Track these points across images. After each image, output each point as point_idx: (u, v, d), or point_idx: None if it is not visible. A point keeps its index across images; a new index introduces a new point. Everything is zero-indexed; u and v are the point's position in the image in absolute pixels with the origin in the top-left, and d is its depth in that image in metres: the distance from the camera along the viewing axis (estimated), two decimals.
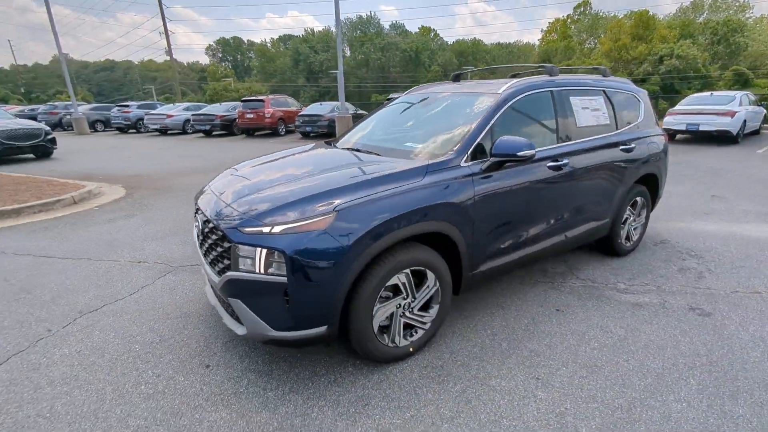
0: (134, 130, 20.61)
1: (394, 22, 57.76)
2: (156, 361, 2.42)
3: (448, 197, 2.33)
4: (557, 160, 2.92)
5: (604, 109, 3.46)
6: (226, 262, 2.11)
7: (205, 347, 2.56)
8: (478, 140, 2.56)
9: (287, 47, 65.73)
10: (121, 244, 4.43)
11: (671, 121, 11.51)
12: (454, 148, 2.52)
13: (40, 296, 3.23)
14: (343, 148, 3.13)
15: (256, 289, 2.00)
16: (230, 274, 2.05)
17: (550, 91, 3.07)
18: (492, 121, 2.66)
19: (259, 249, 1.96)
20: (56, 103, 25.54)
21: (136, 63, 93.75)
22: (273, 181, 2.43)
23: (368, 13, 53.04)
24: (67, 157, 11.54)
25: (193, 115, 17.42)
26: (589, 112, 3.31)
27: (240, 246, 2.00)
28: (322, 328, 2.06)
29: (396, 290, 2.27)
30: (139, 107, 20.53)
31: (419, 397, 2.11)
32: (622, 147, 3.45)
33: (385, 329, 2.31)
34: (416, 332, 2.44)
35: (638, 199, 3.80)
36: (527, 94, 2.92)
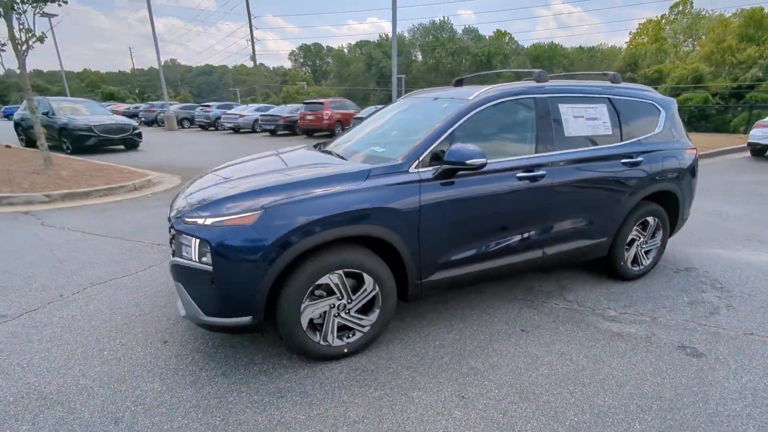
0: (213, 128, 22.72)
1: (467, 26, 56.78)
2: (126, 332, 2.72)
3: (386, 202, 2.32)
4: (531, 171, 2.75)
5: (606, 118, 3.17)
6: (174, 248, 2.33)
7: (172, 325, 2.82)
8: (433, 147, 2.51)
9: (362, 52, 67.80)
10: (152, 227, 4.99)
11: (758, 134, 9.96)
12: (405, 154, 2.50)
13: (68, 266, 3.78)
14: (322, 150, 3.24)
15: (192, 275, 2.18)
16: (174, 259, 2.26)
17: (533, 98, 2.89)
18: (453, 128, 2.59)
19: (194, 239, 2.14)
20: (154, 103, 29.02)
21: (230, 67, 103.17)
22: (231, 179, 2.62)
23: (442, 18, 52.75)
24: (149, 149, 13.11)
25: (261, 115, 18.81)
26: (583, 121, 3.06)
27: (181, 234, 2.20)
28: (247, 318, 2.18)
29: (330, 290, 2.32)
30: (218, 107, 22.64)
31: (334, 398, 2.14)
32: (624, 160, 3.13)
33: (318, 327, 2.37)
34: (353, 334, 2.46)
35: (649, 219, 3.41)
36: (501, 100, 2.79)
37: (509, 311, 3.02)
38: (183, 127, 24.22)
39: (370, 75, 60.82)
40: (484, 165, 2.41)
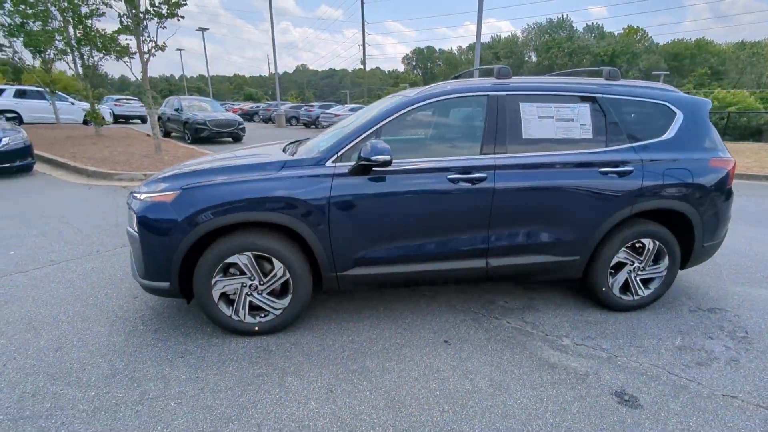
0: (314, 126, 24.74)
1: (590, 23, 51.43)
2: (108, 294, 3.28)
3: (293, 192, 2.42)
4: (468, 173, 2.56)
5: (586, 120, 2.75)
6: None
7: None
8: (352, 143, 2.52)
9: (472, 54, 66.64)
10: None
11: None
12: (326, 148, 2.56)
13: (105, 229, 4.64)
14: (284, 145, 3.42)
15: (132, 241, 2.59)
16: (127, 227, 2.70)
17: (487, 95, 2.67)
18: (378, 125, 2.57)
19: (131, 210, 2.54)
20: (271, 103, 32.72)
21: (349, 71, 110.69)
22: (190, 164, 2.97)
23: (560, 16, 48.79)
24: (249, 141, 14.96)
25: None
26: (551, 122, 2.71)
27: (128, 207, 2.63)
28: (165, 284, 2.50)
29: (242, 270, 2.52)
30: (319, 107, 24.61)
31: (220, 367, 2.32)
32: (605, 169, 2.68)
33: (233, 302, 2.58)
34: (266, 315, 2.62)
35: (646, 241, 2.84)
36: (444, 98, 2.65)
37: (448, 321, 2.84)
38: (290, 125, 26.86)
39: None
40: (388, 162, 2.35)
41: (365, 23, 45.76)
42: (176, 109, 15.54)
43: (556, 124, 2.71)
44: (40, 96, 17.08)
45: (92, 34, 11.41)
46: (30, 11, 12.20)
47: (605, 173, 2.68)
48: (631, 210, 2.74)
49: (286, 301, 2.60)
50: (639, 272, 2.92)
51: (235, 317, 2.58)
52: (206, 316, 2.61)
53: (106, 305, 2.98)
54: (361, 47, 46.16)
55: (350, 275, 2.62)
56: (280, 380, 2.22)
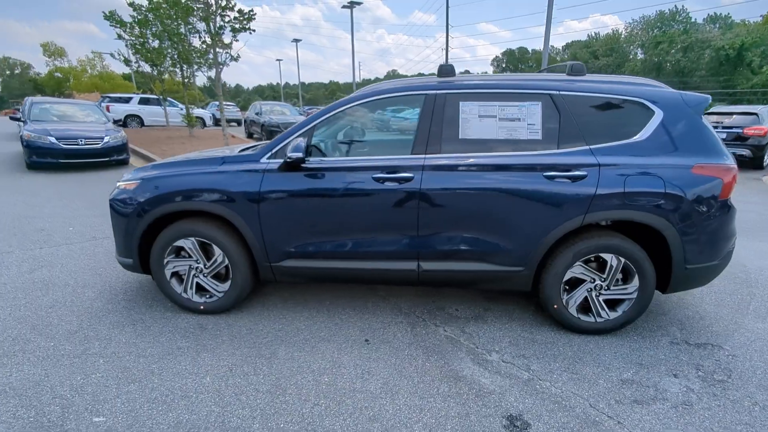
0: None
1: (713, 13, 44.25)
2: (114, 267, 3.82)
3: (227, 186, 2.63)
4: (394, 173, 2.52)
5: (536, 119, 2.50)
6: None
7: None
8: (285, 141, 2.64)
9: (566, 54, 62.08)
10: None
11: None
12: (264, 145, 2.72)
13: None
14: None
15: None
16: None
17: (424, 94, 2.59)
18: (312, 124, 2.65)
19: (111, 195, 2.98)
20: None
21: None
22: (169, 158, 3.35)
23: (673, 8, 42.78)
24: None
25: None
26: (493, 122, 2.53)
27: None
28: (130, 260, 2.89)
29: (189, 253, 2.80)
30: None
31: (151, 337, 2.61)
32: (552, 173, 2.42)
33: (183, 281, 2.88)
34: (211, 296, 2.87)
35: (607, 256, 2.48)
36: (379, 97, 2.64)
37: (383, 321, 2.81)
38: None
39: None
40: (300, 160, 2.43)
41: (449, 27, 45.44)
42: (257, 113, 17.14)
43: (499, 123, 2.53)
44: (157, 103, 20.16)
45: (189, 50, 13.19)
46: (149, 33, 14.52)
47: (552, 178, 2.43)
48: (583, 220, 2.43)
49: (227, 286, 2.82)
50: (602, 292, 2.57)
51: (184, 295, 2.87)
52: (162, 292, 2.95)
53: (108, 276, 3.51)
54: (444, 50, 45.92)
55: (283, 266, 2.74)
56: (196, 355, 2.44)
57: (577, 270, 2.55)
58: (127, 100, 20.70)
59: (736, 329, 2.74)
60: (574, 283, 2.60)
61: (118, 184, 2.92)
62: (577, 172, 2.41)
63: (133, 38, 14.49)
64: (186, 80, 15.16)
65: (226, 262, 2.76)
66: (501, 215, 2.50)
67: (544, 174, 2.43)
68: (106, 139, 9.06)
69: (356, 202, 2.59)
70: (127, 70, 20.73)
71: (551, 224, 2.45)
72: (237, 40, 10.54)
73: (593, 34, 55.60)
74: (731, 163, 2.44)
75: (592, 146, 2.46)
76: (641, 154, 2.43)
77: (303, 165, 2.58)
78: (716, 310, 3.00)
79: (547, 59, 14.09)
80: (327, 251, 2.68)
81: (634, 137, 2.46)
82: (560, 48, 76.39)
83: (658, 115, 2.46)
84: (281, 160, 2.62)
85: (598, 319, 2.61)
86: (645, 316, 2.90)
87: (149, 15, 12.93)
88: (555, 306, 2.62)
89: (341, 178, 2.58)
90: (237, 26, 10.04)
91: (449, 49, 42.95)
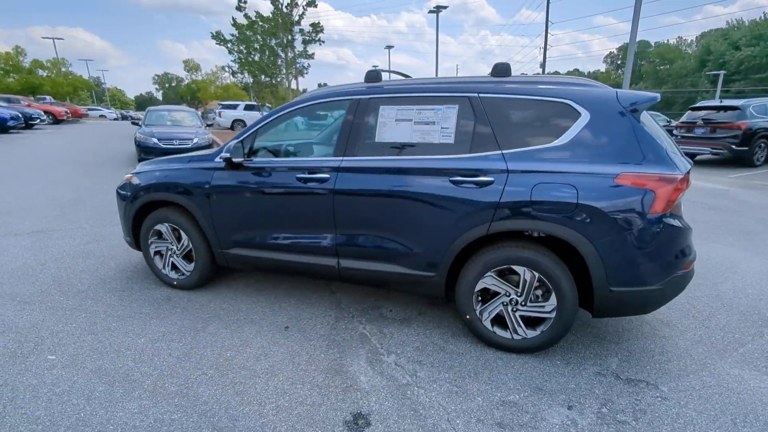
0: None
1: None
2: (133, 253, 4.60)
3: (188, 180, 3.06)
4: (314, 173, 2.68)
5: (450, 123, 2.43)
6: None
7: None
8: (235, 142, 2.96)
9: (697, 46, 53.45)
10: None
11: None
12: (221, 146, 3.09)
13: None
14: None
15: None
16: None
17: (350, 99, 2.70)
18: (254, 128, 2.94)
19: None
20: None
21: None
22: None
23: None
24: None
25: None
26: (409, 125, 2.52)
27: None
28: (129, 239, 3.52)
29: (167, 237, 3.32)
30: None
31: (126, 303, 3.15)
32: (459, 177, 2.34)
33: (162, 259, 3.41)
34: (182, 275, 3.34)
35: (519, 270, 2.29)
36: (315, 102, 2.82)
37: (315, 313, 2.97)
38: None
39: (703, 73, 47.17)
40: (228, 160, 2.72)
41: (550, 24, 42.48)
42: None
43: (413, 127, 2.52)
44: (257, 109, 22.77)
45: (276, 61, 14.75)
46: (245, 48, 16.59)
47: (458, 183, 2.35)
48: (489, 228, 2.30)
49: (192, 267, 3.28)
50: (518, 307, 2.40)
51: (163, 271, 3.40)
52: (149, 267, 3.52)
53: (132, 253, 4.26)
54: (542, 49, 43.08)
55: (231, 254, 3.09)
56: (148, 320, 2.91)
57: (488, 281, 2.41)
58: (235, 107, 23.73)
59: (696, 371, 2.31)
60: (490, 295, 2.47)
61: (125, 176, 3.58)
62: (483, 178, 2.30)
63: (237, 53, 16.64)
64: (278, 87, 16.91)
65: (191, 246, 3.21)
66: (410, 219, 2.49)
67: (451, 179, 2.37)
68: (195, 140, 10.64)
69: (284, 200, 2.81)
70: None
71: (458, 230, 2.37)
72: (307, 52, 11.50)
73: (734, 20, 46.83)
74: (672, 172, 2.09)
75: (505, 151, 2.32)
76: (559, 160, 2.22)
77: (243, 164, 2.89)
78: (690, 347, 2.54)
79: (633, 56, 12.43)
80: (264, 243, 2.95)
81: (554, 142, 2.25)
82: (693, 39, 65.96)
83: (584, 118, 2.22)
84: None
85: (515, 336, 2.43)
86: (591, 341, 2.60)
87: (248, 32, 14.76)
88: (468, 317, 2.51)
89: (272, 177, 2.83)
90: (307, 38, 10.97)
91: (557, 46, 40.18)
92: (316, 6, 11.77)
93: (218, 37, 14.97)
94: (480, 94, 2.42)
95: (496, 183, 2.28)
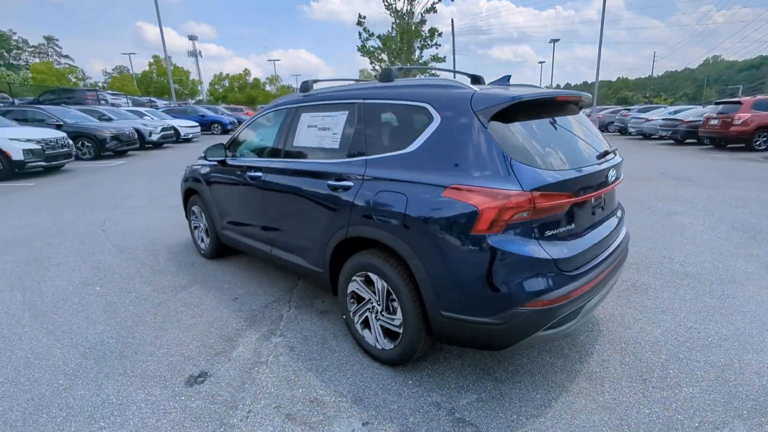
0: (627, 132, 20.65)
1: None
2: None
3: (200, 173, 3.91)
4: (253, 171, 3.13)
5: (338, 128, 2.51)
6: None
7: None
8: (227, 143, 3.64)
9: None
10: None
11: None
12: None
13: None
14: None
15: None
16: None
17: (287, 108, 3.02)
18: (237, 133, 3.55)
19: None
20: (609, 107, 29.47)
21: None
22: None
23: None
24: None
25: (662, 119, 15.51)
26: (314, 131, 2.71)
27: None
28: (185, 214, 4.66)
29: (197, 214, 4.29)
30: (639, 110, 20.35)
31: (172, 269, 4.24)
32: (332, 181, 2.43)
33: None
34: (204, 248, 4.27)
35: (373, 277, 2.24)
36: (271, 110, 3.23)
37: (267, 293, 3.43)
38: (606, 131, 23.67)
39: None
40: (204, 158, 3.37)
41: None
42: None
43: (317, 133, 2.70)
44: None
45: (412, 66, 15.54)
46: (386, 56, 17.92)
47: (332, 187, 2.44)
48: (347, 233, 2.34)
49: (209, 241, 4.17)
50: (380, 316, 2.35)
51: (197, 242, 4.42)
52: (191, 237, 4.60)
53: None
54: None
55: (223, 233, 3.83)
56: (164, 275, 3.88)
57: (354, 285, 2.44)
58: None
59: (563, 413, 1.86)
60: (359, 299, 2.48)
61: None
62: (346, 182, 2.36)
63: (378, 62, 18.13)
64: None
65: (207, 224, 4.10)
66: (306, 217, 2.70)
67: (328, 182, 2.49)
68: None
69: (241, 192, 3.35)
70: None
71: (330, 232, 2.48)
72: (438, 56, 11.84)
73: None
74: (503, 188, 1.76)
75: (368, 157, 2.31)
76: (406, 167, 2.11)
77: (226, 162, 3.56)
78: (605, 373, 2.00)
79: None
80: (236, 227, 3.58)
81: (407, 148, 2.14)
82: None
83: (434, 123, 2.04)
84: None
85: (377, 345, 2.40)
86: (479, 373, 2.32)
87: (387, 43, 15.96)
88: (344, 317, 2.58)
89: (236, 174, 3.40)
90: (422, 44, 11.34)
91: None
92: (435, 11, 12.06)
93: (363, 49, 16.63)
94: (364, 101, 2.45)
95: (353, 188, 2.31)
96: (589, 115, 24.12)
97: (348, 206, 2.32)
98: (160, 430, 1.97)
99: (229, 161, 3.52)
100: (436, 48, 12.34)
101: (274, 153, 3.06)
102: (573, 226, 1.98)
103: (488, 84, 2.70)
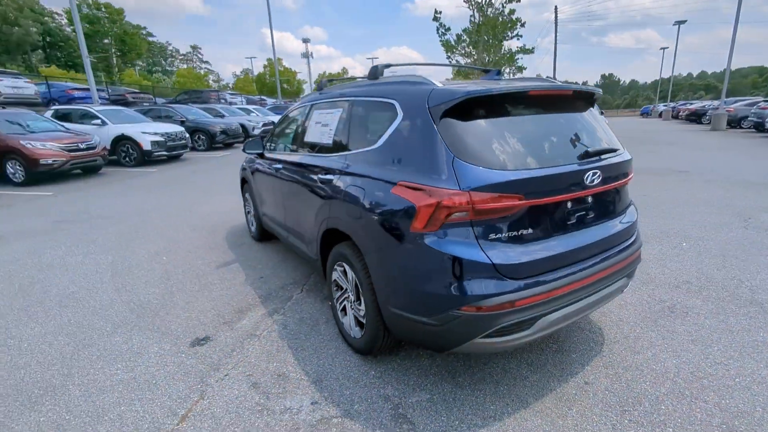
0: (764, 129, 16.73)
1: None
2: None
3: (248, 164, 4.38)
4: (276, 163, 3.43)
5: (334, 125, 2.64)
6: None
7: None
8: (265, 138, 4.02)
9: None
10: None
11: None
12: None
13: None
14: None
15: None
16: None
17: (306, 105, 3.24)
18: (272, 128, 3.90)
19: None
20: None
21: None
22: None
23: None
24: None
25: None
26: (319, 127, 2.87)
27: None
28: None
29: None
30: None
31: (221, 245, 4.86)
32: (321, 175, 2.57)
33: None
34: (253, 230, 4.79)
35: (346, 266, 2.34)
36: (297, 106, 3.49)
37: (286, 274, 3.75)
38: (732, 128, 19.55)
39: None
40: (244, 150, 3.77)
41: None
42: None
43: (320, 129, 2.87)
44: None
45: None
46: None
47: (321, 180, 2.59)
48: (327, 223, 2.47)
49: (255, 225, 4.66)
50: (354, 305, 2.45)
51: (249, 225, 4.96)
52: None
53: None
54: None
55: (263, 219, 4.25)
56: (214, 252, 4.46)
57: (335, 274, 2.57)
58: None
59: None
60: (339, 287, 2.60)
61: None
62: (330, 176, 2.49)
63: (464, 56, 17.64)
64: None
65: (253, 210, 4.60)
66: (304, 207, 2.91)
67: (318, 176, 2.65)
68: None
69: (272, 182, 3.68)
70: None
71: (318, 222, 2.65)
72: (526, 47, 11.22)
73: None
74: (444, 187, 1.71)
75: (348, 152, 2.41)
76: (372, 162, 2.17)
77: (263, 155, 3.95)
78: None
79: None
80: (269, 213, 3.96)
81: (375, 144, 2.19)
82: None
83: (398, 119, 2.06)
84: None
85: (351, 333, 2.50)
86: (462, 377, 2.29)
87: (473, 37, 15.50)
88: (330, 303, 2.73)
89: (268, 165, 3.75)
90: (499, 35, 10.79)
91: None
92: (518, 0, 11.25)
93: (446, 45, 16.38)
94: (353, 98, 2.54)
95: (333, 181, 2.43)
96: (716, 108, 20.35)
97: (328, 198, 2.46)
98: (155, 377, 2.36)
99: (266, 153, 3.90)
100: (518, 39, 11.63)
101: (292, 147, 3.33)
102: (530, 230, 1.83)
103: (480, 78, 2.58)
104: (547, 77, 2.79)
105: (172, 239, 4.93)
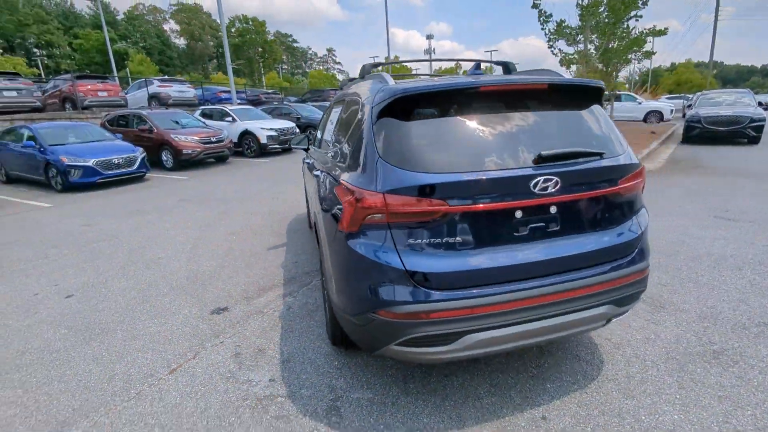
0: None
1: None
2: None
3: (304, 158, 4.78)
4: (309, 158, 3.69)
5: (334, 122, 2.75)
6: None
7: None
8: (308, 134, 4.33)
9: None
10: None
11: None
12: None
13: None
14: None
15: None
16: None
17: (332, 103, 3.41)
18: (317, 124, 4.17)
19: None
20: None
21: None
22: None
23: None
24: None
25: None
26: (329, 125, 3.03)
27: None
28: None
29: None
30: None
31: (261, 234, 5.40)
32: (316, 171, 2.72)
33: None
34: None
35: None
36: (330, 106, 3.68)
37: (306, 263, 4.02)
38: None
39: None
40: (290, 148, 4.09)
41: None
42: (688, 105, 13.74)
43: (329, 127, 3.02)
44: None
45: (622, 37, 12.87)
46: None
47: (316, 175, 2.75)
48: (315, 215, 2.61)
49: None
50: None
51: (309, 214, 5.42)
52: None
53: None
54: None
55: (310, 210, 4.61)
56: (267, 236, 5.01)
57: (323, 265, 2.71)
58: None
59: None
60: None
61: None
62: (317, 172, 2.62)
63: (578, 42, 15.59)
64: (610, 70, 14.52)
65: None
66: (312, 199, 3.11)
67: (316, 171, 2.81)
68: None
69: (306, 172, 4.00)
70: None
71: (313, 213, 2.82)
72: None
73: None
74: (365, 187, 1.70)
75: (334, 148, 2.51)
76: (339, 159, 2.23)
77: (307, 150, 4.28)
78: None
79: None
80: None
81: (343, 143, 2.24)
82: None
83: (359, 117, 2.09)
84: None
85: (326, 323, 2.62)
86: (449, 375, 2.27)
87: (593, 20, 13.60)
88: (324, 291, 2.88)
89: (308, 158, 4.05)
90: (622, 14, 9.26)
91: None
92: None
93: (559, 31, 14.68)
94: (345, 97, 2.63)
95: (320, 177, 2.57)
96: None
97: (317, 191, 2.61)
98: (173, 334, 2.85)
99: (310, 148, 4.22)
100: (636, 20, 9.72)
101: (318, 142, 3.56)
102: (461, 238, 1.69)
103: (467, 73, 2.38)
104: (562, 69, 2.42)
105: (248, 221, 5.67)
